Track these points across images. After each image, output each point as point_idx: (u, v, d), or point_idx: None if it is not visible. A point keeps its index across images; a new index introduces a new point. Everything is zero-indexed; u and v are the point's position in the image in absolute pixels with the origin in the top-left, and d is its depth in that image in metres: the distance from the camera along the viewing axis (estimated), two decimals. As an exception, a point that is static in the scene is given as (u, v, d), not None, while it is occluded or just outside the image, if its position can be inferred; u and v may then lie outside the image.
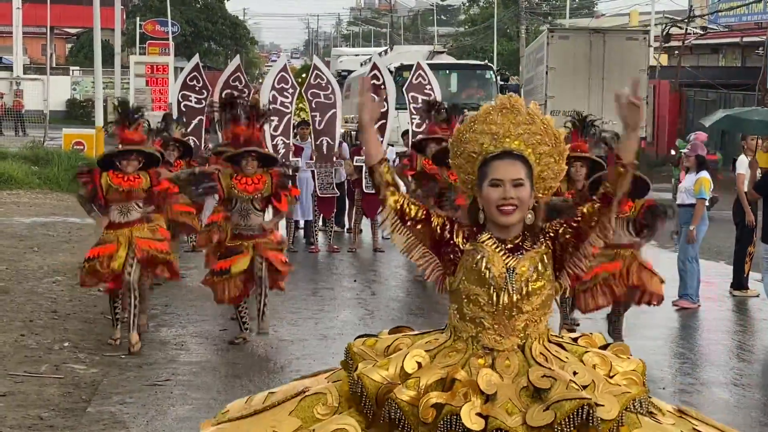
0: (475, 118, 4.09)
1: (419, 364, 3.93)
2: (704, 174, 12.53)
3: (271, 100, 15.34)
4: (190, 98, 15.17)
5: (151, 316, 11.26)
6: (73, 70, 57.00)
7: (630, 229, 9.68)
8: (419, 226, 4.05)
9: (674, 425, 3.94)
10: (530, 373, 3.85)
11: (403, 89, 17.36)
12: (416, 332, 4.18)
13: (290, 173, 13.65)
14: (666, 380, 9.16)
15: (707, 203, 12.75)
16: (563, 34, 29.38)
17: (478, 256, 3.96)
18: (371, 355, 4.05)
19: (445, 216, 4.09)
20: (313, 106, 16.26)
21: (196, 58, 16.05)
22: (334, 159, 16.26)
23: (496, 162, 3.99)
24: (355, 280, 14.17)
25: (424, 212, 4.06)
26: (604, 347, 4.15)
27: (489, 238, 3.99)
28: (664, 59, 43.56)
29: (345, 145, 17.25)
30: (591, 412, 3.69)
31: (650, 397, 4.01)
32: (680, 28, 40.71)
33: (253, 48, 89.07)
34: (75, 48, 71.68)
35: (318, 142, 16.25)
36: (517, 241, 4.00)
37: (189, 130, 15.17)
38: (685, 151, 13.81)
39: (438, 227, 4.04)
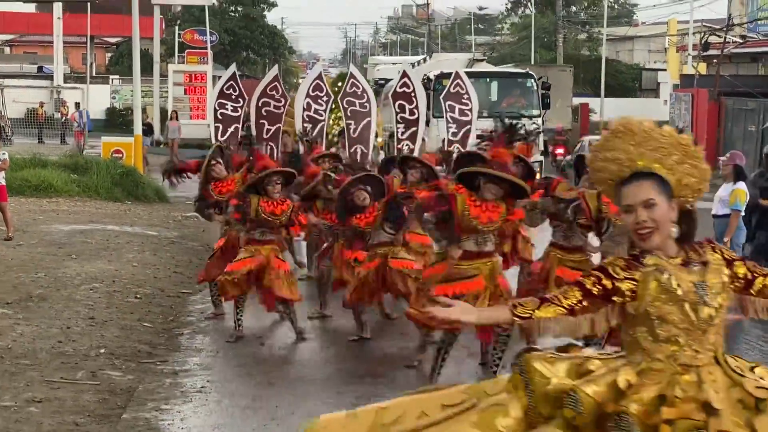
0: (598, 146, 4.09)
1: (629, 383, 3.90)
2: (740, 185, 12.38)
3: (305, 107, 15.45)
4: (226, 106, 15.22)
5: (187, 323, 11.32)
6: (112, 79, 57.43)
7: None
8: (586, 304, 4.00)
9: None
10: (745, 384, 3.84)
11: (441, 97, 17.37)
12: (597, 352, 4.15)
13: None
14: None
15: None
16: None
17: (665, 276, 3.93)
18: (551, 372, 3.98)
19: (592, 272, 4.03)
20: (348, 114, 16.27)
21: (233, 68, 16.14)
22: (368, 167, 16.24)
23: (625, 188, 3.98)
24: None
25: (580, 290, 4.01)
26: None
27: (660, 259, 3.96)
28: (702, 68, 43.29)
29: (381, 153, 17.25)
30: None
31: None
32: (719, 36, 40.46)
33: (290, 57, 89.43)
34: (114, 57, 72.26)
35: (352, 150, 16.27)
36: (681, 256, 3.99)
37: (225, 138, 15.23)
38: (723, 159, 13.69)
39: (594, 287, 3.99)
